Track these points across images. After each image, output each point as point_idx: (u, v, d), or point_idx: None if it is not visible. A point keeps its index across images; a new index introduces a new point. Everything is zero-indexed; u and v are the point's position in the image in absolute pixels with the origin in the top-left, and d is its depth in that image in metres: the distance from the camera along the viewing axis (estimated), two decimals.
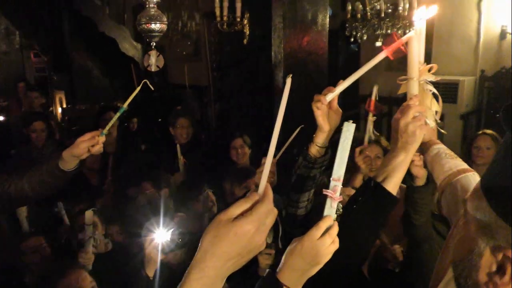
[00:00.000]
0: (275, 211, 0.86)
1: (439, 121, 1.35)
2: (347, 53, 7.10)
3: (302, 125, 1.87)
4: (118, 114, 1.99)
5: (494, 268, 0.68)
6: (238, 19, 3.73)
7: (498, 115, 0.62)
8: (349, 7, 5.26)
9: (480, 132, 3.40)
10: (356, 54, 6.76)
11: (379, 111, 2.29)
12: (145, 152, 4.65)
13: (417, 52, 1.17)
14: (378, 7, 5.08)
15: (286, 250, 1.02)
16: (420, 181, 1.68)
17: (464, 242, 0.75)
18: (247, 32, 3.75)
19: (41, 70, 7.97)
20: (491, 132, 3.29)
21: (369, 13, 5.13)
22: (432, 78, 1.23)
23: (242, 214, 0.83)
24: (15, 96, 6.78)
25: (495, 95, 5.45)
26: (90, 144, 1.92)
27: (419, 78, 1.19)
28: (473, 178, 1.40)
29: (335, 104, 1.34)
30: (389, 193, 1.16)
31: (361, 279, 1.78)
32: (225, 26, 3.80)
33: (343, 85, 1.27)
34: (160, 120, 5.44)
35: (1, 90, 7.57)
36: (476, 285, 0.72)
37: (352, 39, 5.28)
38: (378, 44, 5.01)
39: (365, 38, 5.23)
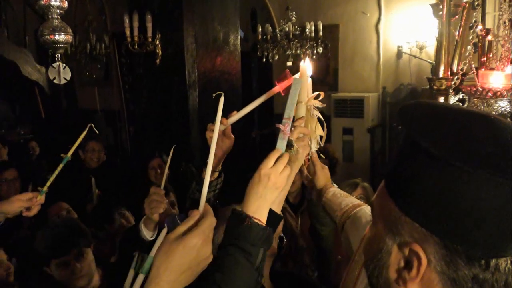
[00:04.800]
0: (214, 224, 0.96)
1: (322, 145, 1.43)
2: (260, 73, 7.29)
3: (175, 145, 1.89)
4: (61, 165, 1.83)
5: (402, 264, 0.71)
6: (150, 39, 3.67)
7: (399, 127, 0.67)
8: (260, 29, 5.45)
9: None
10: (269, 74, 6.96)
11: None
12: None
13: (306, 80, 1.26)
14: (287, 29, 5.31)
15: (248, 185, 1.07)
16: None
17: (372, 242, 0.78)
18: (160, 53, 3.69)
19: None
20: None
21: (278, 35, 5.35)
22: (319, 105, 1.31)
23: (188, 230, 0.92)
24: None
25: (395, 110, 5.90)
26: (26, 205, 1.79)
27: (307, 102, 1.27)
28: (368, 210, 1.52)
29: (228, 131, 1.40)
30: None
31: None
32: (136, 46, 3.72)
33: (236, 116, 1.35)
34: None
35: None
36: (387, 283, 0.74)
37: (264, 60, 5.45)
38: (289, 64, 5.21)
39: (276, 58, 5.42)
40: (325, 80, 6.44)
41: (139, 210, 2.88)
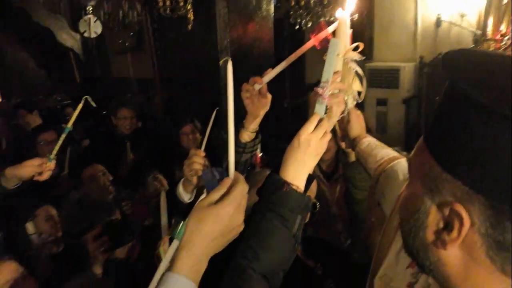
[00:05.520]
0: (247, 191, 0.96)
1: (359, 101, 1.36)
2: (292, 41, 7.14)
3: (218, 107, 1.86)
4: (63, 136, 1.92)
5: (441, 225, 0.67)
6: (181, 4, 3.62)
7: (437, 98, 0.63)
8: None
9: None
10: (301, 42, 6.81)
11: None
12: (88, 149, 4.42)
13: (344, 32, 1.19)
14: None
15: (285, 152, 1.05)
16: (354, 157, 1.72)
17: (409, 202, 0.74)
18: (191, 18, 3.65)
19: None
20: None
21: (312, 1, 5.18)
22: (357, 57, 1.23)
23: (221, 198, 0.92)
24: None
25: (433, 81, 5.69)
26: (37, 170, 1.91)
27: (344, 55, 1.20)
28: (405, 165, 1.42)
29: (264, 89, 1.39)
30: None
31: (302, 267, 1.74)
32: (168, 11, 3.68)
33: (270, 75, 1.32)
34: (104, 112, 5.23)
35: None
36: (423, 245, 0.70)
37: (296, 27, 5.32)
38: None
39: (309, 25, 5.27)
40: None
41: (171, 174, 2.93)
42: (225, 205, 0.91)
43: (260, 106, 1.42)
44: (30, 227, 2.38)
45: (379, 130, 5.65)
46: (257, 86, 1.37)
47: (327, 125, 1.06)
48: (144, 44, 5.96)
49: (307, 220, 1.57)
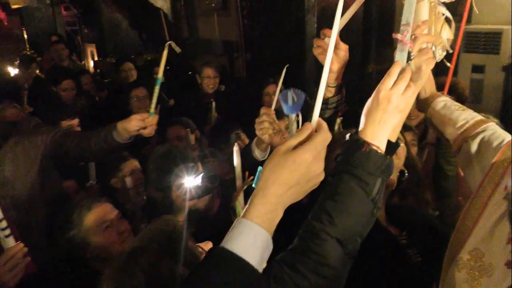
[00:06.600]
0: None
1: (450, 51, 1.19)
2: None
3: (288, 64, 1.80)
4: (157, 88, 1.97)
5: None
6: None
7: None
8: None
9: None
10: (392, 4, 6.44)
11: None
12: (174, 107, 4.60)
13: None
14: None
15: (363, 110, 0.98)
16: None
17: None
18: None
19: (72, 24, 8.00)
20: None
21: None
22: None
23: (299, 145, 0.86)
24: (47, 50, 6.85)
25: None
26: (141, 124, 2.03)
27: None
28: (498, 129, 1.26)
29: (337, 41, 1.26)
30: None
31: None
32: None
33: (340, 23, 1.19)
34: (190, 73, 5.40)
35: (33, 45, 7.67)
36: None
37: None
38: None
39: None
40: (456, 10, 5.76)
41: (254, 133, 2.98)
42: (304, 152, 0.85)
43: (335, 60, 1.30)
44: (128, 181, 2.55)
45: (472, 99, 5.25)
46: (328, 40, 1.25)
47: (409, 75, 0.95)
48: (230, 5, 5.99)
49: (394, 187, 1.49)
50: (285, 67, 1.84)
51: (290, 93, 0.93)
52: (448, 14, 1.14)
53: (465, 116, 1.30)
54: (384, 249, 1.39)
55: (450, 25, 1.16)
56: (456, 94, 2.74)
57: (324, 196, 0.93)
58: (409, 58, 0.98)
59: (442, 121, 1.34)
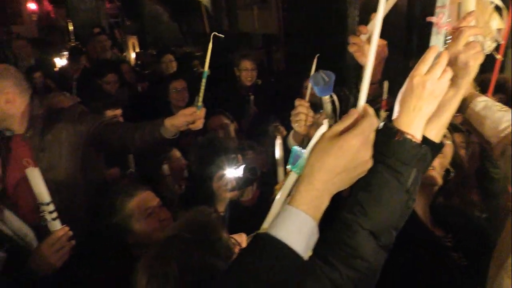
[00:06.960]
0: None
1: (501, 41, 1.10)
2: None
3: (318, 54, 1.75)
4: (204, 81, 1.94)
5: None
6: None
7: None
8: None
9: None
10: None
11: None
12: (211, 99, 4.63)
13: None
14: None
15: (398, 97, 0.94)
16: None
17: None
18: None
19: (114, 16, 8.20)
20: None
21: None
22: None
23: (346, 130, 0.84)
24: (91, 41, 7.04)
25: None
26: (189, 119, 2.01)
27: None
28: None
29: None
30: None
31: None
32: None
33: (374, 21, 1.14)
34: (222, 66, 5.42)
35: (78, 37, 7.92)
36: None
37: None
38: None
39: None
40: None
41: (292, 126, 2.97)
42: (351, 137, 0.82)
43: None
44: (165, 169, 2.60)
45: None
46: (363, 37, 1.25)
47: (446, 59, 0.88)
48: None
49: (439, 185, 1.44)
50: (316, 56, 1.78)
51: (320, 75, 0.90)
52: (498, 1, 1.06)
53: (508, 117, 1.21)
54: (424, 248, 1.35)
55: (501, 13, 1.07)
56: (507, 93, 2.57)
57: (357, 187, 0.90)
58: (445, 42, 0.93)
59: (482, 122, 1.25)
